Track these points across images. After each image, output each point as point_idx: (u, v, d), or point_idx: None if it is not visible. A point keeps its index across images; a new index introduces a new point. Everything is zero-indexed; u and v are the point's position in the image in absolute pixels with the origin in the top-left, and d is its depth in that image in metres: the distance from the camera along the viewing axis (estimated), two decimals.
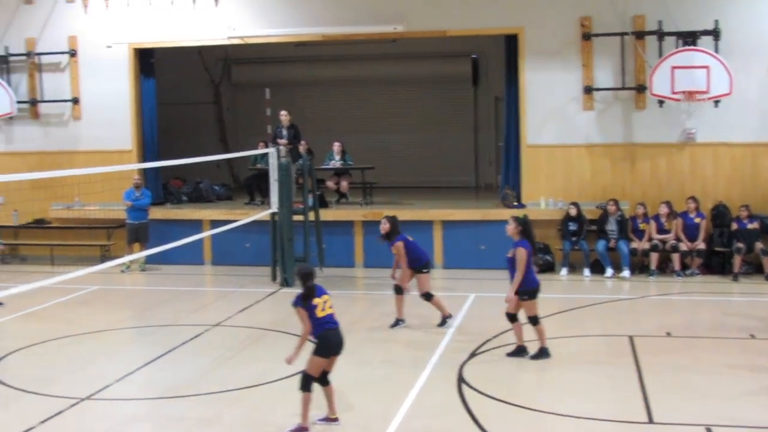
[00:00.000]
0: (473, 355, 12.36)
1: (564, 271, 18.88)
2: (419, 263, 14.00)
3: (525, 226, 12.20)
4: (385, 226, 14.13)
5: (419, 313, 14.38)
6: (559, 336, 13.08)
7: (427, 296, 13.99)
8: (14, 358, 12.79)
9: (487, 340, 12.98)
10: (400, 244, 13.92)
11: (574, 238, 18.86)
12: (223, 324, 14.74)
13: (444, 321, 13.95)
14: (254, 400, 10.71)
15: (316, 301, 9.43)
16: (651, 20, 19.17)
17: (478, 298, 16.30)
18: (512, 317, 12.31)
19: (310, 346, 9.48)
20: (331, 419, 9.63)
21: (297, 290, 9.72)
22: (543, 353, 12.10)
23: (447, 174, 27.10)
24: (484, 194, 24.80)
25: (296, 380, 9.47)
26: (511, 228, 12.22)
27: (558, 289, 17.66)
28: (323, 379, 9.54)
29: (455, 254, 19.60)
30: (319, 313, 9.40)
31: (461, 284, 17.73)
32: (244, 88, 28.55)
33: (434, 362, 12.04)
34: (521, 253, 11.96)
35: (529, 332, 12.32)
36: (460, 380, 11.11)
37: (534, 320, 12.18)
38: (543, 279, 17.95)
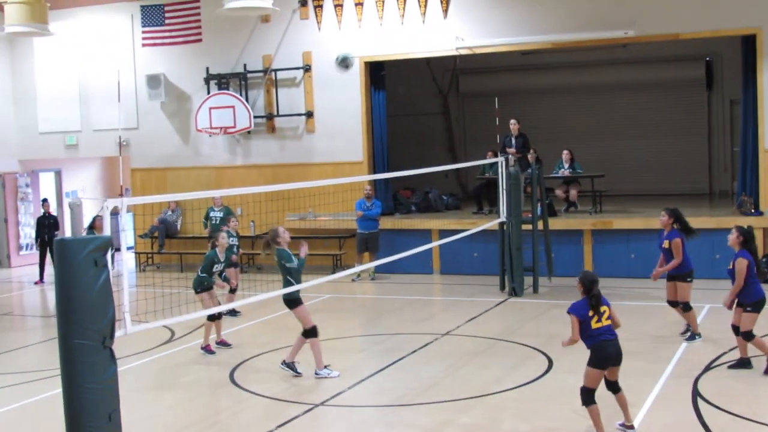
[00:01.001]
0: (708, 368, 11.89)
1: None
2: (685, 270, 13.48)
3: (747, 236, 11.67)
4: (663, 219, 13.54)
5: (654, 324, 13.97)
6: None
7: (686, 306, 13.47)
8: (251, 364, 13.28)
9: (724, 353, 12.46)
10: (678, 241, 13.30)
11: None
12: (452, 333, 14.80)
13: (693, 336, 13.41)
14: (483, 409, 10.67)
15: (592, 312, 9.25)
16: None
17: (712, 309, 15.66)
18: (737, 329, 11.78)
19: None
20: (627, 426, 9.52)
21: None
22: None
23: (679, 181, 26.26)
24: (718, 201, 23.89)
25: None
26: (732, 238, 11.75)
27: None
28: (613, 387, 9.45)
29: None
30: (594, 324, 9.22)
31: (696, 294, 16.89)
32: (471, 97, 28.64)
33: (668, 374, 11.67)
34: (741, 264, 11.44)
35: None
36: (696, 394, 10.72)
37: (747, 336, 11.57)
38: None
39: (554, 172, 21.45)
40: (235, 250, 16.48)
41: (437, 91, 28.64)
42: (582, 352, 9.46)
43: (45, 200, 23.34)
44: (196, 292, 14.16)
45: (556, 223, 19.64)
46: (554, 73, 27.14)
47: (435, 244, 19.15)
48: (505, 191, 17.94)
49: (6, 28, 20.55)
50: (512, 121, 20.37)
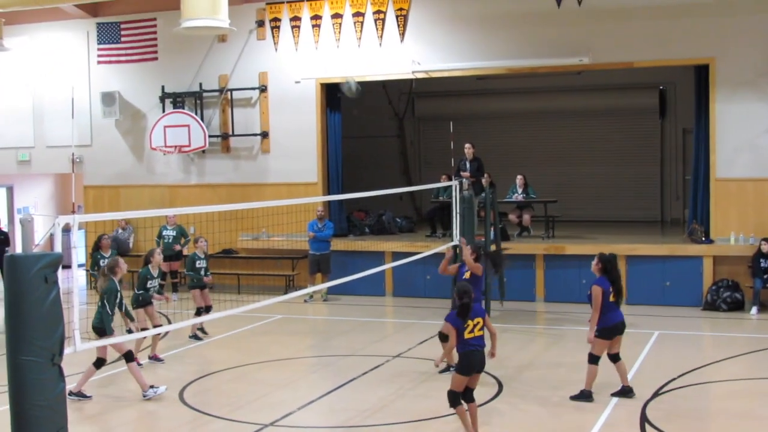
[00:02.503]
0: (657, 394, 12.00)
1: (754, 310, 18.10)
2: None
3: (607, 264, 11.76)
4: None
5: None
6: (748, 378, 12.58)
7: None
8: (202, 383, 13.22)
9: (672, 379, 12.60)
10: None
11: (765, 276, 18.13)
12: (404, 355, 14.81)
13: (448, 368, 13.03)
14: None
15: (468, 322, 9.80)
16: None
17: (662, 336, 15.85)
18: (612, 356, 11.91)
19: None
20: None
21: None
22: (583, 396, 11.66)
23: (631, 208, 26.58)
24: (670, 229, 24.20)
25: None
26: (593, 264, 11.90)
27: (748, 329, 17.03)
28: (468, 396, 9.93)
29: (639, 290, 19.01)
30: (467, 335, 9.80)
31: (645, 321, 17.24)
32: (427, 121, 28.78)
33: (616, 401, 11.73)
34: (595, 291, 11.59)
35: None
36: (644, 419, 10.82)
37: (591, 358, 11.69)
38: (732, 317, 17.49)
39: (508, 196, 21.58)
40: (203, 272, 16.42)
41: (393, 114, 28.76)
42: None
43: None
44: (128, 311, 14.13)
45: (508, 248, 19.75)
46: (509, 98, 27.36)
47: (388, 266, 19.21)
48: (458, 215, 18.02)
49: None
50: (467, 145, 20.49)
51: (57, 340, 7.54)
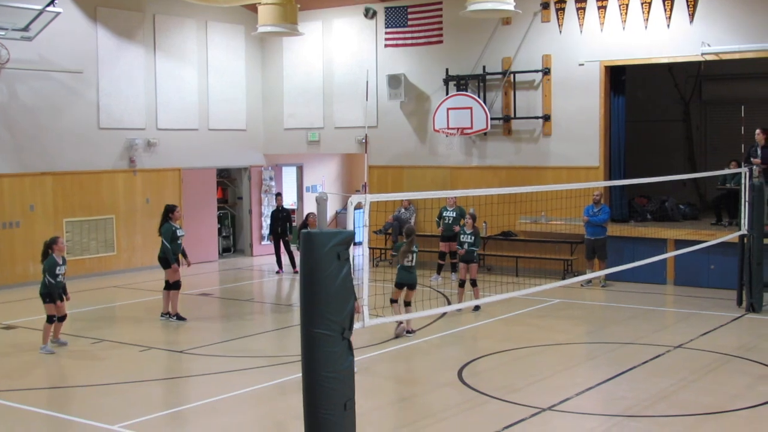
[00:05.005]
0: None
1: None
2: None
3: None
4: None
5: None
6: None
7: None
8: (480, 364, 13.41)
9: None
10: None
11: None
12: (685, 346, 14.42)
13: None
14: (715, 427, 10.39)
15: None
16: None
17: None
18: None
19: None
20: None
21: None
22: None
23: None
24: None
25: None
26: None
27: None
28: None
29: None
30: None
31: None
32: (715, 105, 27.70)
33: None
34: None
35: None
36: None
37: None
38: None
39: None
40: (466, 246, 17.00)
41: (678, 98, 27.85)
42: None
43: (278, 194, 24.29)
44: None
45: None
46: None
47: (670, 254, 18.73)
48: (747, 203, 17.32)
49: (259, 28, 21.48)
50: (757, 131, 19.60)
51: (347, 314, 7.86)
